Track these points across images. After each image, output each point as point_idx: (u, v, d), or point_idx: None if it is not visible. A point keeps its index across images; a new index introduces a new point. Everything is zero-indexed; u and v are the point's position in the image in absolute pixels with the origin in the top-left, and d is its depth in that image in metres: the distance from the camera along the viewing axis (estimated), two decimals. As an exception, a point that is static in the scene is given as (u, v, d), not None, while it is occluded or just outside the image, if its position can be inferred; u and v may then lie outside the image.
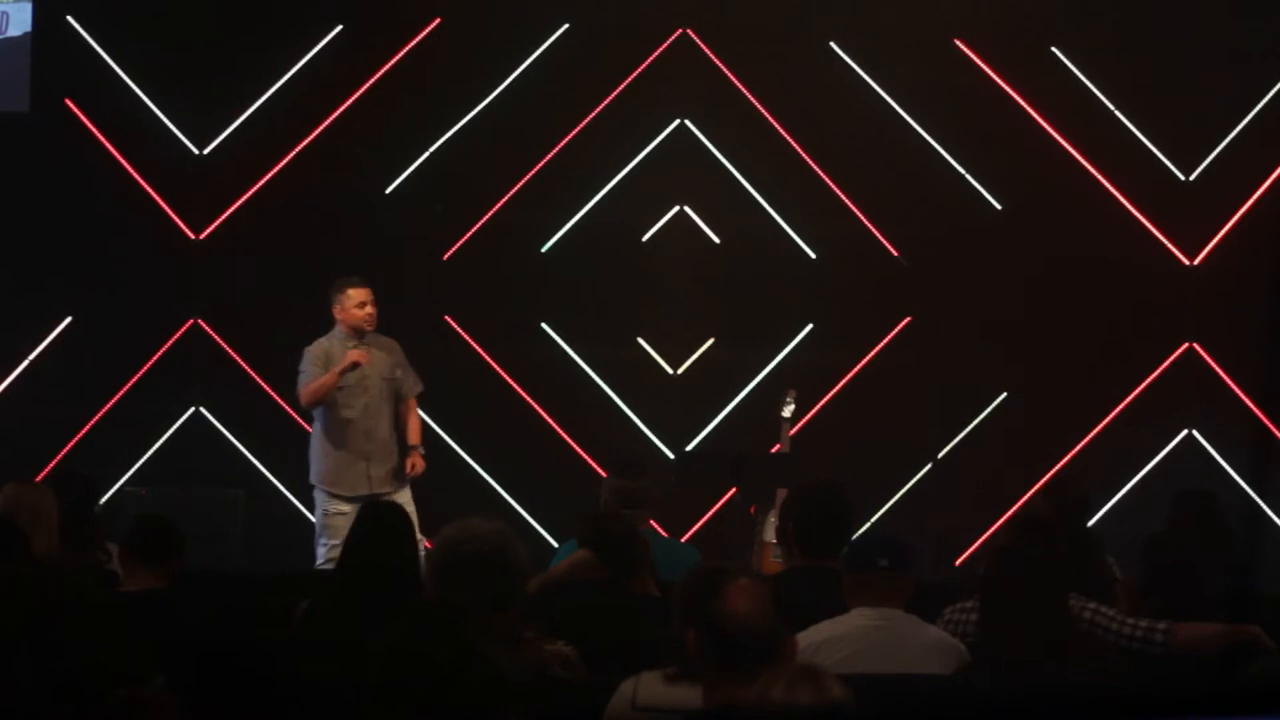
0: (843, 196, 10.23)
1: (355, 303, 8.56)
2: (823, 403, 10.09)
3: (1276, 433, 9.96)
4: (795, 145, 10.22)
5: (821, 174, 10.23)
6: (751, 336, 10.26)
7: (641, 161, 10.29)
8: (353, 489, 8.51)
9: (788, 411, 8.57)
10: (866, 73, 10.23)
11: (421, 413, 9.43)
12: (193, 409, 10.17)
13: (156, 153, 10.16)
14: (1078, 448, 10.13)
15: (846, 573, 5.12)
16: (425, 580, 4.59)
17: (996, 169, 10.28)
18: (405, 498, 8.50)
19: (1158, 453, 10.23)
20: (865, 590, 5.01)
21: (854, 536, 5.84)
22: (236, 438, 10.16)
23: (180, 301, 10.20)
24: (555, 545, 7.83)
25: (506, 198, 10.21)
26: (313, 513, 10.09)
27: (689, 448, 10.03)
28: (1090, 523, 8.60)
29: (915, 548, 5.31)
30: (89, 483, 7.47)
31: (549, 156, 10.20)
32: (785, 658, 3.84)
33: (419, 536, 7.64)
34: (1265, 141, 10.24)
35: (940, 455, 10.23)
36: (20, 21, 10.08)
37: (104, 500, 8.97)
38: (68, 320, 10.15)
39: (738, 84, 10.23)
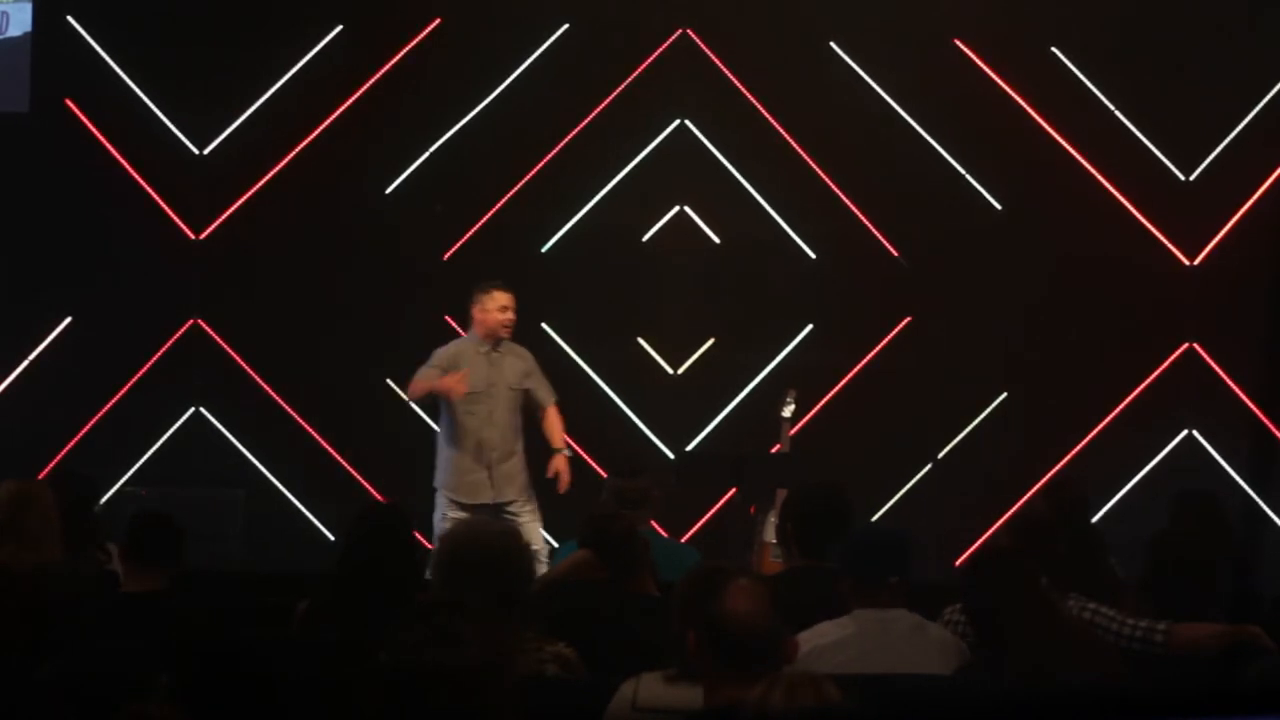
0: (843, 196, 10.23)
1: (498, 305, 8.42)
2: (823, 403, 10.09)
3: (1276, 433, 9.96)
4: (795, 145, 10.21)
5: (821, 174, 10.22)
6: (751, 336, 10.26)
7: (641, 161, 10.28)
8: (471, 496, 8.39)
9: (788, 411, 8.56)
10: (866, 73, 10.23)
11: (421, 413, 9.43)
12: (193, 409, 10.16)
13: (156, 153, 10.16)
14: (1078, 448, 10.12)
15: (844, 575, 5.10)
16: (431, 581, 4.58)
17: (996, 169, 10.28)
18: (529, 512, 8.45)
19: (1158, 453, 10.22)
20: (864, 592, 5.00)
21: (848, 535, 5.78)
22: (236, 438, 10.15)
23: (180, 301, 10.19)
24: (555, 545, 7.82)
25: (506, 198, 10.20)
26: (314, 513, 10.09)
27: (689, 448, 10.02)
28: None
29: (905, 546, 5.24)
30: (89, 483, 7.45)
31: (549, 156, 10.20)
32: (785, 658, 3.84)
33: (537, 552, 7.52)
34: (1265, 141, 10.24)
35: (940, 455, 10.22)
36: (20, 21, 10.08)
37: (104, 500, 8.96)
38: (68, 320, 10.15)
39: (738, 84, 10.23)
